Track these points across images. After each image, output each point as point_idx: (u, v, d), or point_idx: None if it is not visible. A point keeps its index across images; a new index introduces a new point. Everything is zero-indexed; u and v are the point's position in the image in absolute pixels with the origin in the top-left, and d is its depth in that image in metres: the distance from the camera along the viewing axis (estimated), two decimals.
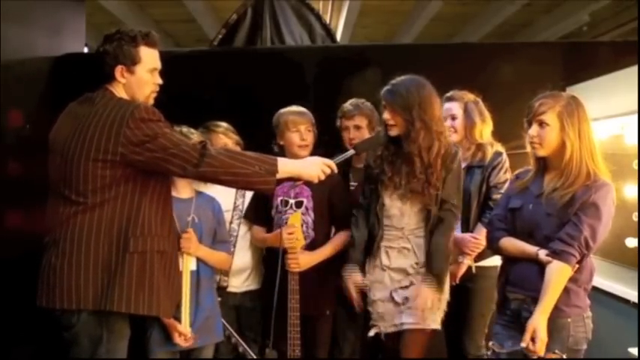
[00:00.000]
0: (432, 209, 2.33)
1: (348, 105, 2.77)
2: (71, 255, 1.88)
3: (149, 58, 2.02)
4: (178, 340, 2.30)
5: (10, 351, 2.78)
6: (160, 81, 2.07)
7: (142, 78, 2.01)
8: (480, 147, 2.70)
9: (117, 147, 1.85)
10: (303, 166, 2.07)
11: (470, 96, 2.74)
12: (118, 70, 1.98)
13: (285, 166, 2.00)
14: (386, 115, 2.33)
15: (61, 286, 1.88)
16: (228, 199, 2.69)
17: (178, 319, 2.29)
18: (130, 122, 1.86)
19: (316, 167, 2.07)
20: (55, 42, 3.39)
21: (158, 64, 2.06)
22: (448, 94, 2.74)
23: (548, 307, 1.94)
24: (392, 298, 2.37)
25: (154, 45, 2.04)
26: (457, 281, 2.59)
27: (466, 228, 2.66)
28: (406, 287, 2.36)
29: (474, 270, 2.65)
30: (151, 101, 2.06)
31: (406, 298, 2.35)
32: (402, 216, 2.37)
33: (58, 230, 1.91)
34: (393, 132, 2.34)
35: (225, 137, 2.72)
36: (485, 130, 2.71)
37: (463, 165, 2.63)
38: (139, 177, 1.92)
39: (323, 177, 2.08)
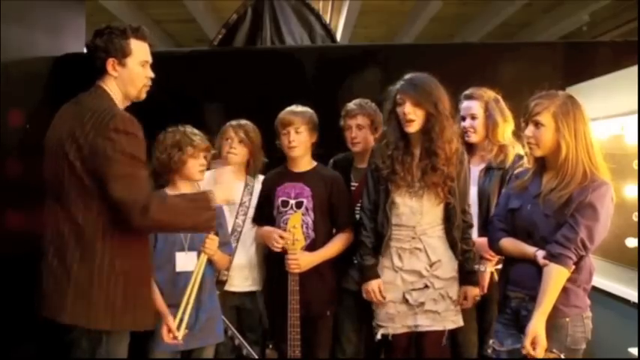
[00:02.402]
0: (452, 203, 2.34)
1: (351, 104, 2.76)
2: (52, 265, 1.90)
3: (140, 50, 2.01)
4: (165, 337, 2.26)
5: (10, 351, 2.78)
6: (151, 74, 2.05)
7: (134, 70, 2.00)
8: (502, 148, 2.64)
9: (92, 156, 1.84)
10: (229, 192, 2.12)
11: (490, 93, 2.67)
12: (110, 63, 1.97)
13: (214, 200, 2.02)
14: (407, 110, 2.30)
15: (45, 295, 1.91)
16: (235, 194, 2.71)
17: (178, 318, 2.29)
18: (104, 131, 1.83)
19: (227, 189, 2.12)
20: (55, 42, 3.39)
21: (149, 58, 2.05)
22: (467, 92, 2.69)
23: (546, 310, 1.94)
24: (405, 300, 2.36)
25: (144, 38, 2.04)
26: (485, 291, 2.53)
27: (484, 231, 2.54)
28: (420, 289, 2.35)
29: (496, 277, 2.58)
30: (144, 95, 2.05)
31: (421, 301, 2.34)
32: (412, 214, 2.36)
33: (48, 236, 1.93)
34: (413, 128, 2.32)
35: (232, 131, 2.74)
36: (506, 129, 2.65)
37: (482, 166, 2.63)
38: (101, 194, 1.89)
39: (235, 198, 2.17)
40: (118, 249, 1.89)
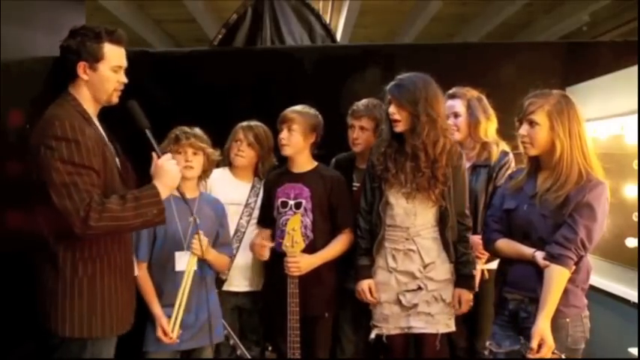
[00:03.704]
0: (444, 205, 2.33)
1: (359, 104, 2.73)
2: (35, 270, 1.90)
3: (113, 55, 1.96)
4: (161, 336, 2.30)
5: (9, 352, 2.77)
6: (124, 80, 2.01)
7: (104, 75, 1.95)
8: (485, 145, 2.67)
9: (36, 165, 1.83)
10: (169, 180, 1.97)
11: (473, 92, 2.70)
12: (81, 67, 1.93)
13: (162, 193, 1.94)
14: (391, 110, 2.33)
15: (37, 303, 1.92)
16: (242, 195, 2.73)
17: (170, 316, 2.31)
18: (43, 138, 1.82)
19: (173, 170, 1.99)
20: (55, 42, 3.38)
21: (123, 63, 2.00)
22: (450, 91, 2.71)
23: (550, 311, 1.94)
24: (398, 301, 2.37)
25: (119, 42, 1.98)
26: (476, 289, 2.52)
27: (473, 229, 2.56)
28: (414, 291, 2.36)
29: (487, 275, 2.60)
30: (115, 100, 2.01)
31: (415, 303, 2.35)
32: (406, 215, 2.36)
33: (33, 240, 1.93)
34: (399, 128, 2.34)
35: (241, 133, 2.74)
36: (489, 127, 2.68)
37: (468, 164, 2.62)
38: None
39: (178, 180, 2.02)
40: (80, 252, 1.87)
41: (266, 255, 2.54)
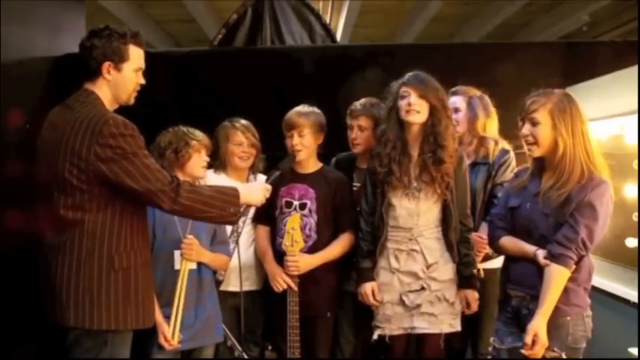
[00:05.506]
0: (448, 199, 2.34)
1: (357, 104, 2.70)
2: (51, 268, 1.89)
3: (136, 57, 2.01)
4: (163, 343, 2.29)
5: (10, 352, 2.77)
6: (142, 81, 2.05)
7: (127, 76, 1.99)
8: (482, 141, 2.67)
9: (89, 164, 1.83)
10: (249, 195, 2.10)
11: (474, 91, 2.72)
12: (105, 67, 1.95)
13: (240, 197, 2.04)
14: (413, 100, 2.30)
15: (47, 300, 1.90)
16: (258, 202, 2.71)
17: (169, 320, 2.31)
18: (99, 139, 1.83)
19: (259, 193, 2.14)
20: (55, 42, 3.39)
21: (143, 65, 2.05)
22: (453, 89, 2.72)
23: (548, 310, 1.95)
24: (402, 301, 2.36)
25: (142, 45, 2.03)
26: None
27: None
28: (417, 291, 2.36)
29: (482, 274, 2.59)
30: (132, 100, 2.05)
31: (418, 303, 2.34)
32: (409, 216, 2.36)
33: (46, 239, 1.93)
34: (417, 119, 2.33)
35: (242, 135, 2.73)
36: (489, 124, 2.68)
37: (468, 162, 2.61)
38: (117, 191, 1.90)
39: (264, 201, 2.18)
40: (115, 246, 1.89)
41: (280, 287, 2.49)
